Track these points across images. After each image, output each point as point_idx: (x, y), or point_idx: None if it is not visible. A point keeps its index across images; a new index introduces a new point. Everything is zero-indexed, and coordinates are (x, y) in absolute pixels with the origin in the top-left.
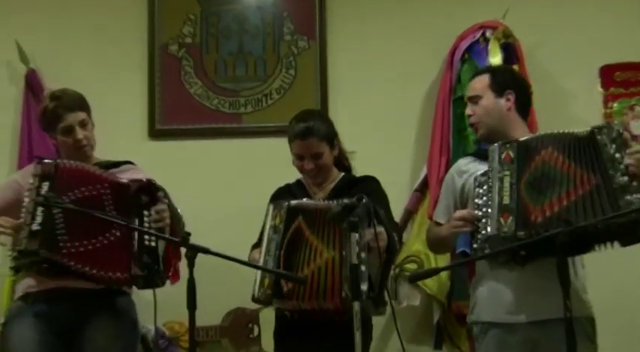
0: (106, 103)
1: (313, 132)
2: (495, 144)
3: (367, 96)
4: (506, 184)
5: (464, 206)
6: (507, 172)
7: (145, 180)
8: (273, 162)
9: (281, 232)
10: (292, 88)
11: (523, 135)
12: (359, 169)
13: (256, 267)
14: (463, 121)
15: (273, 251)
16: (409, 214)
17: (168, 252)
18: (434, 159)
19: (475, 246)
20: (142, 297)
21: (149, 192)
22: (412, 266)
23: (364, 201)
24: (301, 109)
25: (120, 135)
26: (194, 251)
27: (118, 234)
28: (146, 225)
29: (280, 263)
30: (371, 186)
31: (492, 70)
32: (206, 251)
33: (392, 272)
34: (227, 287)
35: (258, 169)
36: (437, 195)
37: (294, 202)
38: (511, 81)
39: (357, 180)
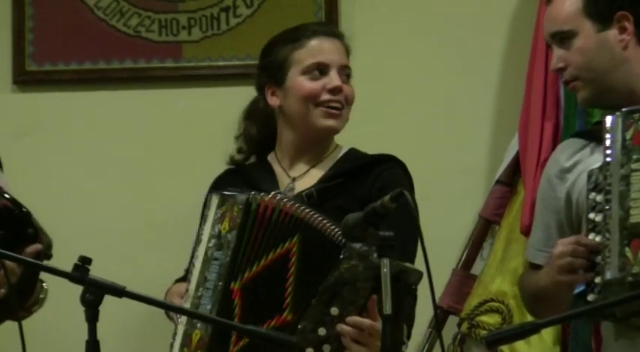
0: None
1: (342, 37)
2: (612, 115)
3: (407, 13)
4: (637, 186)
5: (577, 228)
6: (638, 164)
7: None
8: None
9: (231, 246)
10: None
11: None
12: (386, 150)
13: (192, 315)
14: None
15: (212, 281)
16: (485, 227)
17: None
18: (532, 127)
19: (590, 297)
20: None
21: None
22: (492, 318)
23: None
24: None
25: None
26: (100, 291)
27: None
28: None
29: (228, 306)
30: (396, 180)
31: None
32: (122, 292)
33: (456, 329)
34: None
35: (209, 141)
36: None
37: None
38: None
39: (370, 160)
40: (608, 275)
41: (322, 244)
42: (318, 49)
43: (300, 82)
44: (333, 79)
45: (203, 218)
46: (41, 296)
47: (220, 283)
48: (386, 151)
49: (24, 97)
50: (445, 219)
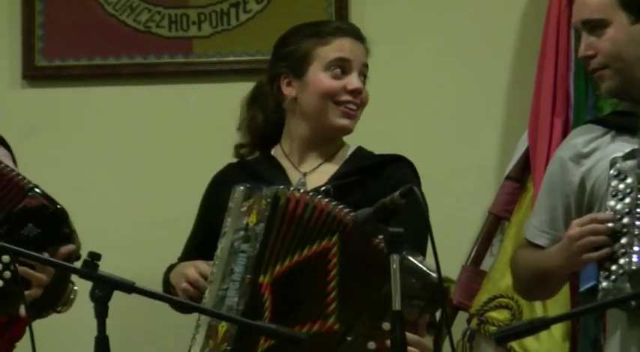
0: None
1: (365, 39)
2: None
3: (417, 9)
4: None
5: (585, 214)
6: None
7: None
8: None
9: (260, 239)
10: None
11: None
12: (396, 147)
13: (211, 314)
14: None
15: (239, 273)
16: (495, 223)
17: None
18: (542, 124)
19: (605, 284)
20: None
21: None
22: (501, 314)
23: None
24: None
25: None
26: (108, 287)
27: None
28: None
29: (257, 300)
30: (408, 180)
31: None
32: (131, 288)
33: (466, 326)
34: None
35: (220, 137)
36: None
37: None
38: None
39: (382, 159)
40: (636, 260)
41: (369, 253)
42: (342, 47)
43: (321, 78)
44: (354, 80)
45: (227, 211)
46: (71, 297)
47: (248, 276)
48: (397, 147)
49: (34, 93)
50: (455, 215)
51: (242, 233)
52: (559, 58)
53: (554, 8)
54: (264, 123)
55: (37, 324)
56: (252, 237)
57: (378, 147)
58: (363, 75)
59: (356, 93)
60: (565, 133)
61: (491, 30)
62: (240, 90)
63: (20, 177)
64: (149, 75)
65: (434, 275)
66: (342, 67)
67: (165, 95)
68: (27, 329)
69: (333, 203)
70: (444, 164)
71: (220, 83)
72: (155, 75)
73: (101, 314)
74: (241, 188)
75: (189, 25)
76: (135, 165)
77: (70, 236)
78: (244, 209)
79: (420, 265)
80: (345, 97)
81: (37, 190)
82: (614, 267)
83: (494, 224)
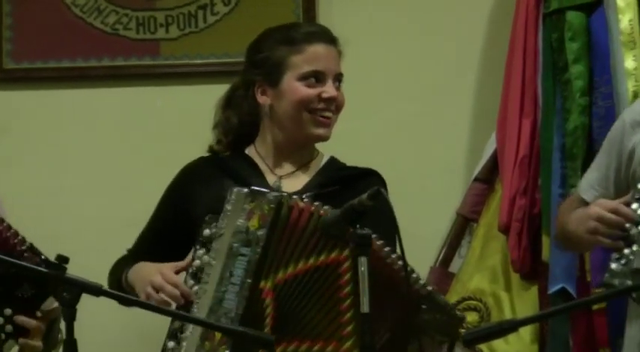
0: None
1: (337, 42)
2: None
3: (384, 11)
4: None
5: (632, 183)
6: None
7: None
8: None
9: (261, 244)
10: None
11: None
12: (364, 148)
13: (186, 319)
14: (562, 53)
15: (239, 277)
16: (463, 224)
17: None
18: (510, 125)
19: (614, 266)
20: None
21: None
22: (470, 316)
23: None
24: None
25: None
26: (77, 290)
27: None
28: None
29: (257, 305)
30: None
31: None
32: (99, 290)
33: None
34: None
35: (187, 139)
36: (516, 189)
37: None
38: None
39: (356, 173)
40: None
41: (391, 283)
42: (315, 56)
43: (295, 87)
44: (329, 89)
45: (222, 212)
46: (59, 336)
47: (248, 280)
48: (365, 148)
49: (2, 95)
50: (423, 216)
51: (242, 236)
52: (527, 59)
53: (522, 9)
54: (238, 125)
55: None
56: (253, 241)
57: (347, 148)
58: (338, 80)
59: (331, 101)
60: (533, 134)
61: (458, 31)
62: (208, 92)
63: (12, 231)
64: (117, 77)
65: (459, 313)
66: (316, 77)
67: (133, 97)
68: None
69: None
70: (413, 165)
71: (188, 85)
72: (123, 77)
73: (69, 317)
74: (239, 190)
75: (156, 28)
76: (103, 168)
77: None
78: (244, 212)
79: (445, 302)
80: (320, 105)
81: (29, 247)
82: (626, 251)
83: (463, 225)
